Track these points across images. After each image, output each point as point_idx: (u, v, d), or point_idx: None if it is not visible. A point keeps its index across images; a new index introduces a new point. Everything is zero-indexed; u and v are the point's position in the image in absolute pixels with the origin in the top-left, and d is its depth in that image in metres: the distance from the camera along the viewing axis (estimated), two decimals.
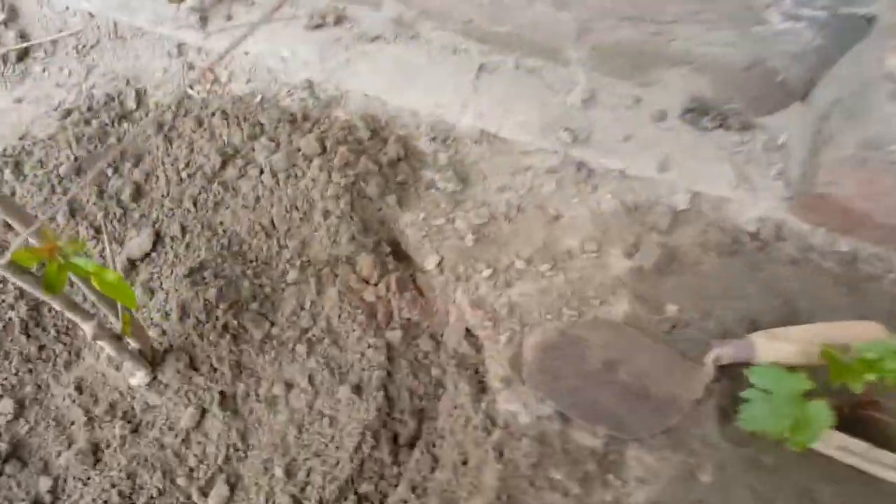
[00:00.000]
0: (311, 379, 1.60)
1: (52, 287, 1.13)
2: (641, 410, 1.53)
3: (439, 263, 1.78)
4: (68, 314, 1.23)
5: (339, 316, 1.70)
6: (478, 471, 1.50)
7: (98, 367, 1.61)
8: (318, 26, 2.16)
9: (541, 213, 1.86)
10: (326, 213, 1.80)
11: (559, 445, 1.52)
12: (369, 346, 1.65)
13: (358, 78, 2.05)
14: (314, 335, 1.67)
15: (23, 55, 2.19)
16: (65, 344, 1.62)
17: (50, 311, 1.64)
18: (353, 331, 1.68)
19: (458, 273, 1.76)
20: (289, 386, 1.60)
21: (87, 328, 1.28)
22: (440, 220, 1.84)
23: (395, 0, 2.09)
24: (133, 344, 1.45)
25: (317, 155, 1.87)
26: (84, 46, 2.18)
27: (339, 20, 2.17)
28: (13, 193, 1.82)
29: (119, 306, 1.33)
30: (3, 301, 1.60)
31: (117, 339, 1.37)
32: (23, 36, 2.23)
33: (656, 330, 1.70)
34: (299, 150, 1.89)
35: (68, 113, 2.00)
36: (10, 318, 1.59)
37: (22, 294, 1.63)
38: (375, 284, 1.75)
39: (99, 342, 1.32)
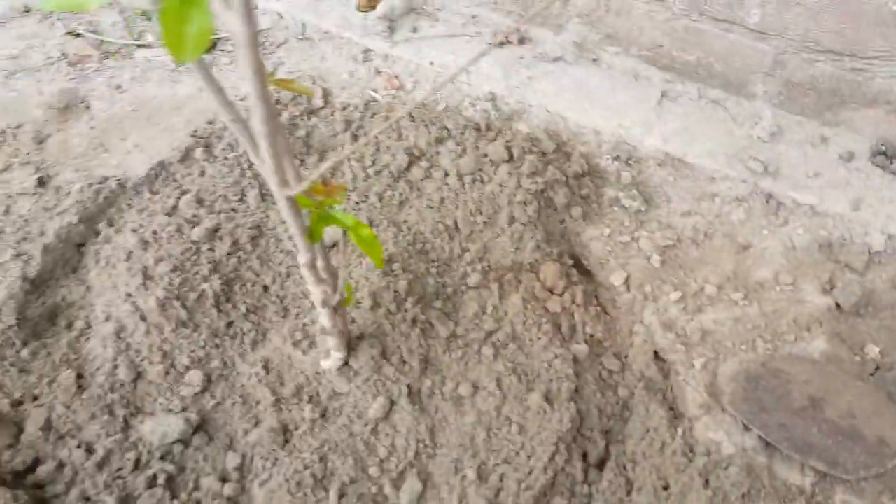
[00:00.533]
0: (498, 382, 1.55)
1: (313, 235, 1.12)
2: (853, 450, 1.45)
3: (626, 281, 1.73)
4: (306, 273, 1.21)
5: (524, 323, 1.65)
6: (682, 497, 1.41)
7: (284, 349, 1.59)
8: (502, 44, 2.20)
9: (729, 242, 1.81)
10: (512, 219, 1.78)
11: (767, 479, 1.43)
12: (556, 357, 1.60)
13: (540, 95, 2.06)
14: (499, 339, 1.63)
15: (210, 47, 2.26)
16: (253, 323, 1.61)
17: (241, 287, 1.64)
18: (539, 339, 1.63)
19: (646, 293, 1.71)
20: (475, 387, 1.55)
21: (316, 292, 1.26)
22: (625, 238, 1.80)
23: (580, 23, 2.10)
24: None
25: (504, 161, 1.87)
26: (272, 44, 2.25)
27: (521, 40, 2.20)
28: (203, 172, 1.85)
29: (339, 281, 1.32)
30: (198, 273, 1.61)
31: (334, 310, 1.35)
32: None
33: (859, 371, 1.61)
34: (486, 155, 1.89)
35: None
36: (203, 291, 1.58)
37: (216, 268, 1.63)
38: (560, 295, 1.71)
39: (322, 309, 1.30)
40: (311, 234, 1.11)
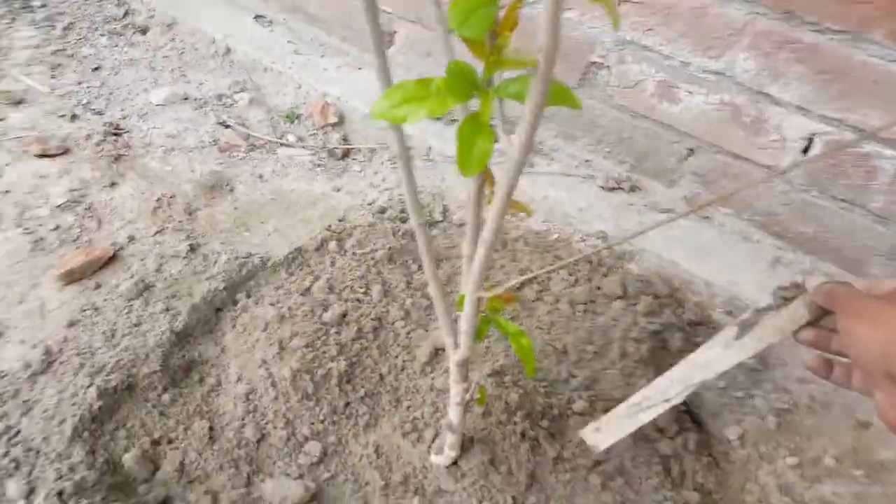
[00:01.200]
0: None
1: (479, 335, 1.21)
2: None
3: (741, 437, 1.74)
4: (454, 370, 1.28)
5: (633, 459, 1.66)
6: None
7: (394, 437, 1.62)
8: (613, 189, 2.36)
9: (847, 415, 1.81)
10: (623, 354, 1.83)
11: None
12: (666, 500, 1.59)
13: (651, 241, 2.17)
14: (606, 471, 1.63)
15: (345, 154, 2.48)
16: (368, 407, 1.66)
17: (362, 372, 1.70)
18: (648, 479, 1.63)
19: (761, 452, 1.71)
20: None
21: (457, 390, 1.32)
22: (739, 393, 1.82)
23: (694, 181, 2.25)
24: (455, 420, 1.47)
25: (617, 297, 1.95)
26: (395, 160, 2.46)
27: (632, 189, 2.35)
28: (334, 263, 1.98)
29: (474, 383, 1.38)
30: (326, 353, 1.68)
31: (465, 407, 1.40)
32: (345, 139, 2.55)
33: None
34: (599, 288, 1.98)
35: (383, 210, 2.21)
36: (329, 369, 1.65)
37: (342, 350, 1.71)
38: (671, 438, 1.72)
39: (457, 407, 1.35)
40: (477, 335, 1.19)
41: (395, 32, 2.76)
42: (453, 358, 1.28)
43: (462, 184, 2.43)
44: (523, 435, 1.64)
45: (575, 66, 2.29)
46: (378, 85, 0.86)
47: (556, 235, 2.22)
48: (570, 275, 2.04)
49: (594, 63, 2.25)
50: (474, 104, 0.79)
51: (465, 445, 1.59)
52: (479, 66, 0.76)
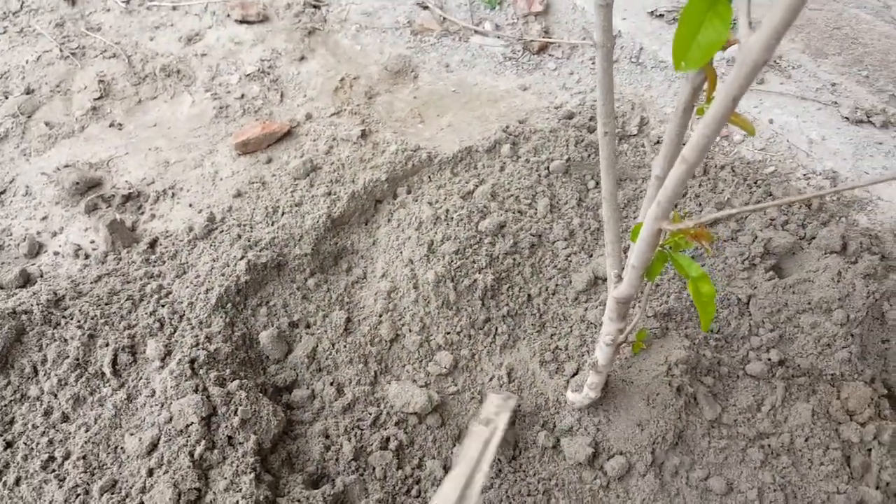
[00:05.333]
0: (759, 494, 1.32)
1: (651, 272, 1.01)
2: None
3: None
4: (613, 306, 1.10)
5: (807, 439, 1.39)
6: None
7: (531, 363, 1.51)
8: (860, 122, 1.91)
9: None
10: (826, 315, 1.52)
11: None
12: (838, 492, 1.32)
13: (894, 190, 1.75)
14: (771, 446, 1.39)
15: (541, 49, 2.25)
16: (508, 326, 1.55)
17: (509, 289, 1.59)
18: (822, 464, 1.36)
19: None
20: (730, 487, 1.34)
21: (611, 328, 1.15)
22: None
23: None
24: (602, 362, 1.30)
25: (834, 252, 1.60)
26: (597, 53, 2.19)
27: (885, 124, 1.89)
28: (503, 168, 1.83)
29: (633, 324, 1.19)
30: (476, 263, 1.58)
31: (616, 348, 1.22)
32: (546, 32, 2.31)
33: None
34: (813, 239, 1.64)
35: (570, 116, 1.99)
36: (475, 280, 1.56)
37: (491, 263, 1.59)
38: (861, 424, 1.42)
39: (607, 346, 1.18)
40: (649, 272, 0.99)
41: None
42: (613, 292, 1.11)
43: (670, 94, 2.11)
44: (679, 390, 1.44)
45: None
46: None
47: (772, 168, 1.86)
48: (782, 213, 1.71)
49: None
50: None
51: (610, 389, 1.43)
52: None
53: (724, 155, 1.90)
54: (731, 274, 1.63)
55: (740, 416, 1.44)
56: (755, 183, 1.78)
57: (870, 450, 1.42)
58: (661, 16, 2.23)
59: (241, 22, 2.21)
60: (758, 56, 0.56)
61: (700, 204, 1.76)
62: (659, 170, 0.91)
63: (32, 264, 1.59)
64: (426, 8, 2.41)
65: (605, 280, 1.65)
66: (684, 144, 0.76)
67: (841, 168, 1.82)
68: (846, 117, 1.93)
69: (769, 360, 1.50)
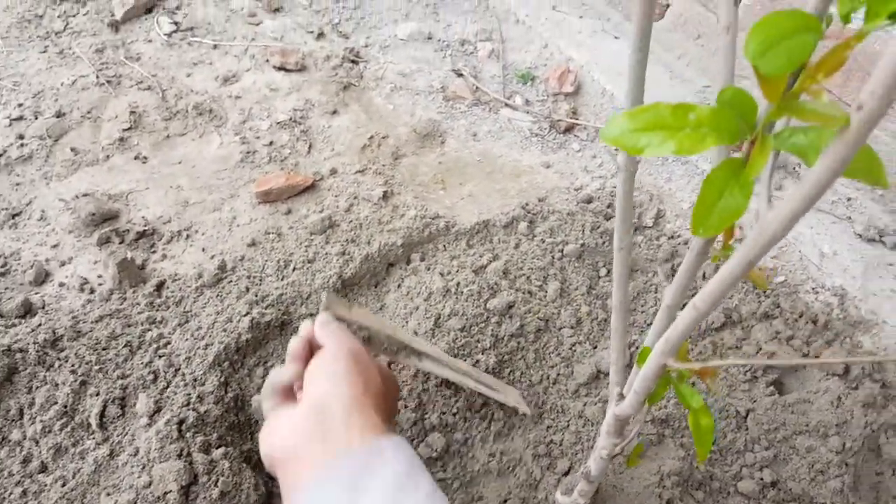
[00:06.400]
0: None
1: (652, 398, 1.01)
2: None
3: None
4: (611, 423, 1.10)
5: None
6: None
7: (524, 455, 1.49)
8: (872, 240, 1.93)
9: None
10: (822, 440, 1.51)
11: None
12: None
13: None
14: None
15: (568, 129, 2.29)
16: (505, 413, 1.54)
17: (510, 373, 1.58)
18: None
19: None
20: None
21: (607, 442, 1.14)
22: None
23: None
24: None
25: (836, 375, 1.60)
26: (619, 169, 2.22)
27: None
28: (518, 246, 1.85)
29: (629, 437, 1.18)
30: (480, 342, 1.58)
31: (608, 462, 1.22)
32: (574, 112, 2.35)
33: None
34: (818, 355, 1.64)
35: (589, 200, 2.02)
36: (477, 361, 1.55)
37: (496, 344, 1.60)
38: None
39: (602, 458, 1.18)
40: (650, 398, 0.99)
41: (668, 5, 2.47)
42: (614, 409, 1.11)
43: (689, 189, 2.14)
44: (669, 502, 1.43)
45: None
46: (628, 72, 0.70)
47: (783, 278, 1.88)
48: (785, 328, 1.72)
49: None
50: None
51: (600, 495, 1.42)
52: (761, 102, 0.58)
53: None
54: (732, 384, 1.63)
55: None
56: (763, 292, 1.79)
57: None
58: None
59: (279, 69, 2.26)
60: (775, 233, 0.57)
61: None
62: (670, 300, 0.92)
63: (36, 293, 1.59)
64: (461, 75, 2.46)
65: (607, 374, 1.65)
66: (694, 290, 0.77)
67: (850, 286, 1.83)
68: (859, 234, 1.95)
69: (762, 479, 1.49)
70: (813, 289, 1.85)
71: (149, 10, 2.44)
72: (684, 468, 1.45)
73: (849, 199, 2.06)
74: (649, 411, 1.55)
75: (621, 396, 1.10)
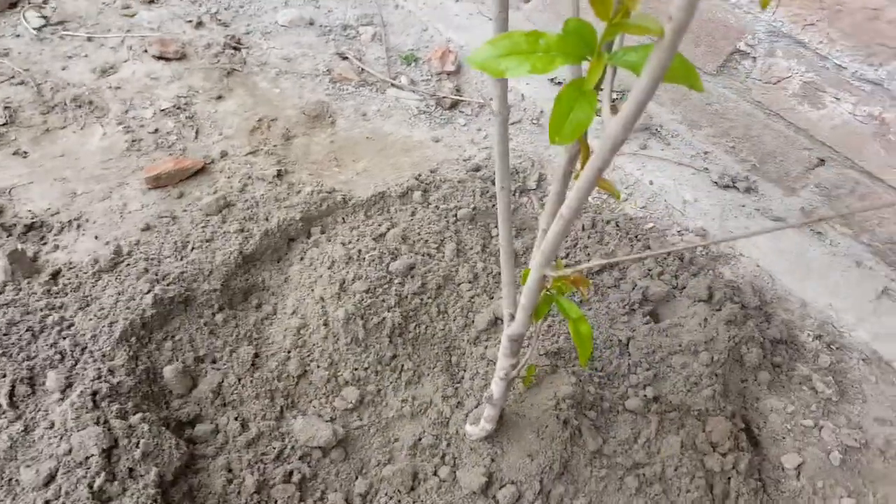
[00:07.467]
0: None
1: (538, 313, 1.13)
2: None
3: (798, 467, 1.59)
4: (506, 344, 1.22)
5: (676, 468, 1.56)
6: None
7: (434, 398, 1.60)
8: (726, 187, 2.17)
9: None
10: (694, 356, 1.71)
11: None
12: None
13: (754, 247, 2.00)
14: (645, 475, 1.54)
15: (453, 105, 2.42)
16: (413, 363, 1.64)
17: (416, 327, 1.68)
18: (688, 491, 1.53)
19: (816, 487, 1.57)
20: None
21: (505, 364, 1.27)
22: (808, 422, 1.67)
23: (816, 193, 2.04)
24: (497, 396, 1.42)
25: (702, 300, 1.81)
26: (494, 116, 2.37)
27: (748, 190, 2.16)
28: (414, 213, 1.95)
29: (524, 360, 1.31)
30: (385, 301, 1.67)
31: (509, 384, 1.34)
32: (458, 90, 2.48)
33: None
34: (684, 288, 1.85)
35: (477, 168, 2.15)
36: (383, 319, 1.64)
37: (400, 302, 1.69)
38: (723, 455, 1.60)
39: (501, 381, 1.30)
40: (536, 313, 1.12)
41: None
42: (507, 331, 1.23)
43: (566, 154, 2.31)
44: (566, 422, 1.58)
45: (717, 52, 2.10)
46: (493, 34, 0.80)
47: (651, 224, 2.08)
48: (658, 265, 1.91)
49: (739, 51, 2.05)
50: (587, 69, 0.72)
51: (504, 421, 1.55)
52: (600, 29, 0.68)
53: (609, 211, 2.10)
54: (613, 318, 1.81)
55: (619, 447, 1.59)
56: (636, 237, 1.99)
57: (729, 478, 1.60)
58: (560, 83, 2.45)
59: (159, 58, 2.24)
60: (617, 135, 0.69)
61: (588, 254, 1.94)
62: (545, 224, 1.04)
63: None
64: (346, 58, 2.53)
65: (503, 321, 1.78)
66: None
67: (710, 226, 2.06)
68: (715, 182, 2.19)
69: (645, 396, 1.67)
70: (678, 232, 2.07)
71: (13, 6, 2.35)
72: (577, 392, 1.60)
73: (706, 153, 2.30)
74: (541, 342, 1.70)
75: (512, 318, 1.23)
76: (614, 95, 0.76)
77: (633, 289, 1.85)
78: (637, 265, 1.91)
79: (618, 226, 2.02)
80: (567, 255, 1.94)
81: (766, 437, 1.69)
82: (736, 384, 1.75)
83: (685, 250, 1.99)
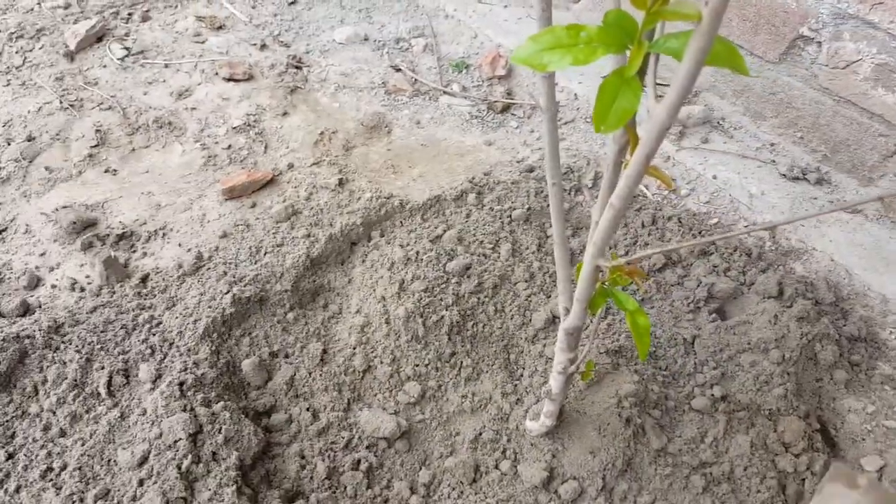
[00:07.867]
0: None
1: (593, 306, 1.13)
2: None
3: (880, 469, 1.51)
4: (563, 337, 1.23)
5: (745, 468, 1.51)
6: None
7: (493, 394, 1.61)
8: (796, 179, 2.10)
9: None
10: (764, 354, 1.66)
11: None
12: None
13: (827, 241, 1.92)
14: (712, 474, 1.50)
15: (504, 109, 2.44)
16: (472, 360, 1.66)
17: (473, 325, 1.71)
18: (759, 492, 1.48)
19: None
20: None
21: (562, 358, 1.27)
22: (891, 423, 1.58)
23: (895, 182, 1.94)
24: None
25: (771, 297, 1.75)
26: (560, 120, 2.37)
27: (819, 181, 2.08)
28: (469, 215, 1.97)
29: (583, 355, 1.31)
30: (443, 300, 1.70)
31: (568, 379, 1.34)
32: (509, 93, 2.50)
33: None
34: (752, 284, 1.80)
35: (531, 169, 2.15)
36: (442, 317, 1.67)
37: (457, 301, 1.71)
38: (796, 456, 1.54)
39: (559, 375, 1.30)
40: (591, 306, 1.12)
41: None
42: (563, 324, 1.24)
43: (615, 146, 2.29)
44: (628, 420, 1.55)
45: (779, 38, 2.05)
46: (537, 22, 0.83)
47: (716, 220, 2.03)
48: (724, 262, 1.87)
49: (803, 37, 1.99)
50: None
51: (565, 418, 1.54)
52: (640, 20, 0.70)
53: (671, 207, 2.06)
54: (677, 316, 1.77)
55: (685, 446, 1.55)
56: (699, 233, 1.95)
57: (803, 479, 1.54)
58: None
59: (229, 80, 2.38)
60: (663, 122, 0.69)
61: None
62: (597, 215, 1.05)
63: (32, 296, 1.72)
64: (399, 70, 2.60)
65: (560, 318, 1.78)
66: None
67: (778, 219, 1.99)
68: (783, 174, 2.12)
69: (712, 395, 1.63)
70: (745, 226, 2.01)
71: (99, 39, 2.54)
72: (639, 390, 1.58)
73: (772, 145, 2.23)
74: (602, 340, 1.68)
75: (567, 312, 1.23)
76: (659, 84, 0.76)
77: (698, 286, 1.81)
78: (702, 262, 1.87)
79: (680, 222, 1.98)
80: (626, 252, 1.92)
81: (843, 438, 1.61)
82: (810, 383, 1.68)
83: (753, 246, 1.93)
